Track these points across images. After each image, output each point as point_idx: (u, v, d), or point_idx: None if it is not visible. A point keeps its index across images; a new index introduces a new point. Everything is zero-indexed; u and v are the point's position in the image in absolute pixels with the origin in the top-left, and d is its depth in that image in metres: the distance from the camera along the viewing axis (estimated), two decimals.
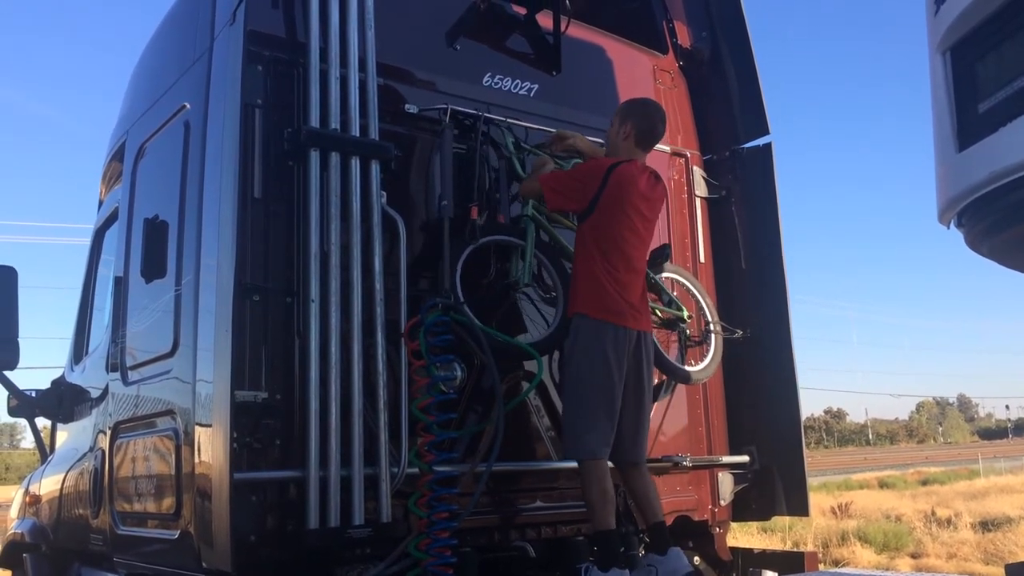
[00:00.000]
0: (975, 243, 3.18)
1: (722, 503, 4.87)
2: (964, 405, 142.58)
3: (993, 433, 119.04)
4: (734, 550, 4.97)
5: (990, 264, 3.35)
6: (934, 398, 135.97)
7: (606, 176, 4.02)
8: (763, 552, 5.09)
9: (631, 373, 3.99)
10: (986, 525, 14.82)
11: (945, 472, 32.83)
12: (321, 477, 3.37)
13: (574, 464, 4.00)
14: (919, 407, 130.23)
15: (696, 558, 4.76)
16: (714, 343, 4.83)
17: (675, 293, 4.76)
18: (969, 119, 2.93)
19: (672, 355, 4.64)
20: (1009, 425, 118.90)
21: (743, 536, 10.76)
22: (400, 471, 3.58)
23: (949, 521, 15.50)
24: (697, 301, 4.86)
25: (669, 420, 4.79)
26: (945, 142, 3.05)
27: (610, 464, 4.00)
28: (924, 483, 28.52)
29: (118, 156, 4.96)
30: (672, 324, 4.68)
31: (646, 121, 4.23)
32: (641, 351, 4.03)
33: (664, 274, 4.66)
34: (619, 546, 3.90)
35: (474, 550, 3.81)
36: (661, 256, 4.47)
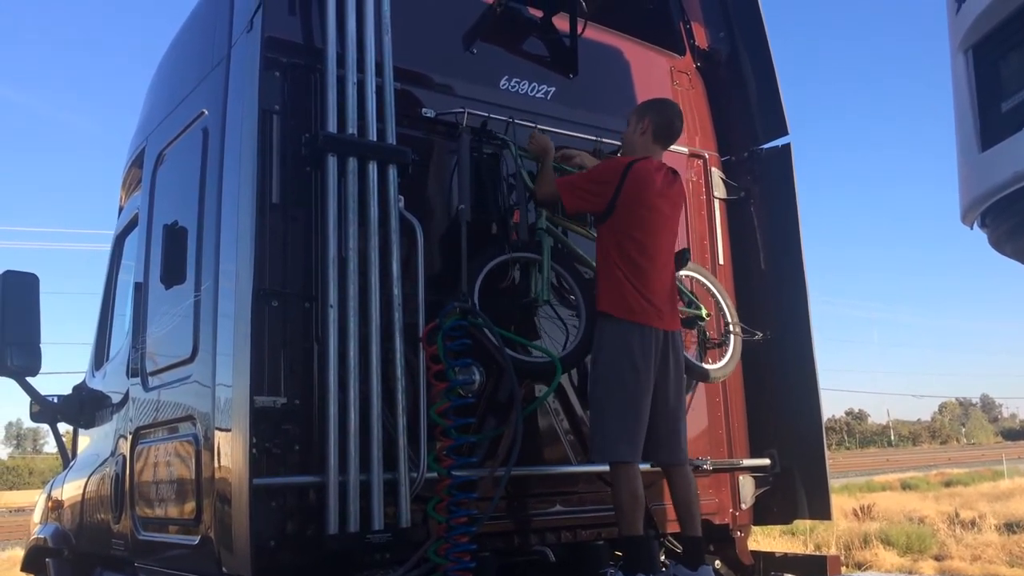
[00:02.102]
0: (999, 244, 3.14)
1: (743, 506, 4.83)
2: (987, 405, 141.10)
3: (1017, 434, 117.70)
4: (755, 554, 4.93)
5: (1014, 264, 3.31)
6: (957, 399, 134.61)
7: (624, 174, 4.00)
8: (784, 556, 5.05)
9: (660, 373, 3.95)
10: (1011, 527, 14.66)
11: (968, 473, 32.51)
12: (340, 482, 3.37)
13: (593, 468, 3.99)
14: (942, 408, 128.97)
15: (717, 562, 4.73)
16: (733, 342, 4.81)
17: (694, 291, 4.74)
18: (992, 118, 2.89)
19: (691, 353, 4.61)
20: None
21: (765, 539, 10.69)
22: (419, 476, 3.58)
23: (973, 523, 15.34)
24: (716, 300, 4.84)
25: (690, 422, 4.72)
26: (968, 141, 3.02)
27: (652, 468, 3.99)
28: (947, 484, 28.25)
29: (137, 163, 5.00)
30: (691, 322, 4.66)
31: (663, 116, 4.23)
32: (669, 350, 4.00)
33: (683, 272, 4.64)
34: (647, 552, 3.88)
35: (493, 555, 3.81)
36: (680, 260, 4.44)
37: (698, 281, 4.80)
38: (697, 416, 4.80)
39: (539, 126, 4.43)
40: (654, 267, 4.03)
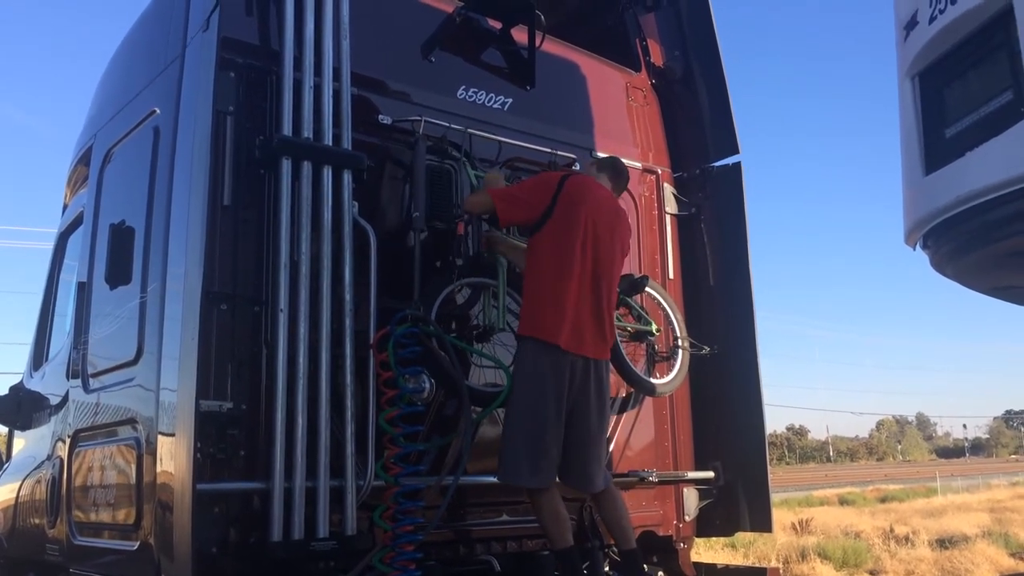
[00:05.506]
0: (940, 265, 3.24)
1: (687, 518, 4.88)
2: (923, 424, 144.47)
3: (950, 452, 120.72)
4: (697, 565, 4.98)
5: (953, 285, 3.42)
6: (894, 416, 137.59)
7: (560, 185, 3.93)
8: (726, 567, 5.11)
9: (579, 402, 3.82)
10: (943, 543, 14.99)
11: (903, 490, 33.22)
12: (286, 488, 3.33)
13: None
14: (879, 425, 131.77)
15: (660, 573, 4.77)
16: (681, 356, 4.86)
17: (644, 305, 4.78)
18: (936, 143, 2.99)
19: (639, 367, 4.66)
20: (966, 444, 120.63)
21: (707, 552, 10.79)
22: (366, 483, 3.55)
23: (907, 538, 15.65)
24: (666, 314, 4.89)
25: (636, 435, 4.81)
26: (912, 165, 3.11)
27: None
28: (883, 500, 28.79)
29: (84, 160, 4.90)
30: (641, 336, 4.70)
31: (604, 158, 4.44)
32: (590, 379, 3.83)
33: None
34: (581, 562, 3.89)
35: (439, 564, 3.80)
36: (638, 285, 4.47)
37: (649, 295, 4.84)
38: (644, 428, 4.85)
39: (495, 136, 4.45)
40: (583, 287, 3.85)
